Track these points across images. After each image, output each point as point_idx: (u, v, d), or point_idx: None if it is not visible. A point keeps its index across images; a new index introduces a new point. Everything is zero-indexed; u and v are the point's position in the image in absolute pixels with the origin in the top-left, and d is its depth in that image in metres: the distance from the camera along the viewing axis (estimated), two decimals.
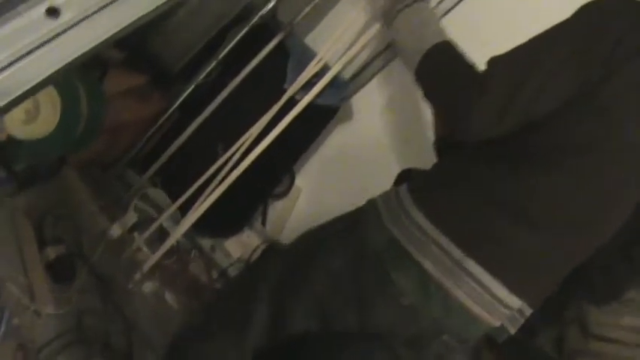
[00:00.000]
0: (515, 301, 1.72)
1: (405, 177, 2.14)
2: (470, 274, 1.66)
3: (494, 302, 1.70)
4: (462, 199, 1.70)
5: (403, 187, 1.80)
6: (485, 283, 1.67)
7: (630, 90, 1.57)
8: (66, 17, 1.22)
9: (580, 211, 1.69)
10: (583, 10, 1.62)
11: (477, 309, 1.69)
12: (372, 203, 1.87)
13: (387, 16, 2.01)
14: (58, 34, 1.23)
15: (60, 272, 2.69)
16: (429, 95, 1.82)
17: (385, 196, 1.86)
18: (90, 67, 2.77)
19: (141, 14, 1.33)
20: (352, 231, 1.82)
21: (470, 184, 1.71)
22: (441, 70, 1.77)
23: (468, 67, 1.71)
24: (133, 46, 2.92)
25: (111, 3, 1.26)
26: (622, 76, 1.55)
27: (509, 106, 1.58)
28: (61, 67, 1.25)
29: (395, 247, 1.68)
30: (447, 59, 1.77)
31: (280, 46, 3.02)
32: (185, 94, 3.05)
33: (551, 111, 1.59)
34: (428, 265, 1.65)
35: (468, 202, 1.69)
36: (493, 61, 1.66)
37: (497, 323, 1.74)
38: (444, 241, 1.65)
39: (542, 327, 2.51)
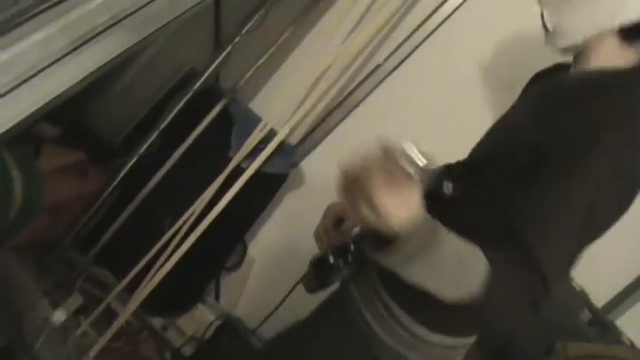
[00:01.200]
0: None
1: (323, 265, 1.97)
2: None
3: None
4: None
5: (392, 304, 1.66)
6: None
7: None
8: None
9: None
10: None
11: None
12: (365, 327, 1.72)
13: (394, 258, 1.34)
14: None
15: None
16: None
17: (378, 317, 1.70)
18: (23, 144, 2.64)
19: (55, 94, 1.22)
20: None
21: None
22: (498, 308, 1.41)
23: (523, 283, 1.37)
24: (68, 121, 2.82)
25: (22, 83, 1.16)
26: None
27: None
28: None
29: None
30: (499, 296, 1.39)
31: (224, 112, 2.93)
32: (127, 168, 2.92)
33: None
34: None
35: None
36: (531, 246, 1.36)
37: None
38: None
39: None
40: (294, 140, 3.05)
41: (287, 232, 3.21)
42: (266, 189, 3.00)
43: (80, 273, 2.96)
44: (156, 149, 2.94)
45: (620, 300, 2.78)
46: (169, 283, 2.73)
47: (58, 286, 2.90)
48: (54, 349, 2.67)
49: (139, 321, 3.02)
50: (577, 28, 1.58)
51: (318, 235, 2.02)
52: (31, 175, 2.54)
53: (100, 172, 2.94)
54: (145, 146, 2.91)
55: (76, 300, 2.80)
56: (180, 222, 2.78)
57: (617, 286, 2.79)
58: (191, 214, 2.77)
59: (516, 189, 1.45)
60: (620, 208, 1.49)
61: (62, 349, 2.70)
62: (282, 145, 2.78)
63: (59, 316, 2.70)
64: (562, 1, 1.59)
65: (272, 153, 2.73)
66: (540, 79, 1.85)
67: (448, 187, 1.61)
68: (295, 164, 3.02)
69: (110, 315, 2.82)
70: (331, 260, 1.75)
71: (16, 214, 2.47)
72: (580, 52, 1.61)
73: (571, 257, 1.41)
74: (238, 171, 2.74)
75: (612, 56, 1.56)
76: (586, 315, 2.55)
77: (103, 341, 2.71)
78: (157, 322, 3.10)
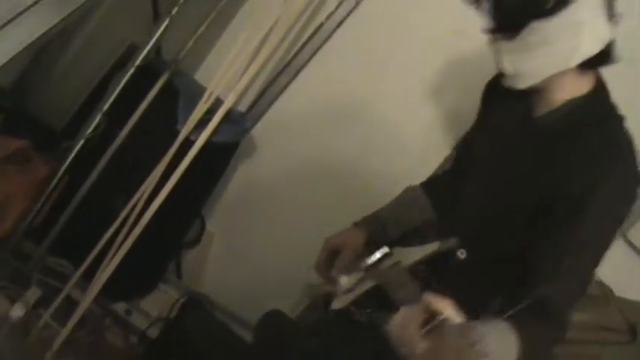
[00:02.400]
0: None
1: None
2: None
3: None
4: None
5: None
6: None
7: None
8: None
9: None
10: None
11: None
12: None
13: None
14: None
15: None
16: None
17: None
18: None
19: None
20: None
21: None
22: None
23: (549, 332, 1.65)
24: (8, 109, 2.73)
25: None
26: None
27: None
28: None
29: None
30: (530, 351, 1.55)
31: (168, 86, 2.86)
32: (74, 152, 2.83)
33: None
34: None
35: None
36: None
37: None
38: None
39: None
40: (242, 107, 2.99)
41: (244, 202, 3.17)
42: (218, 159, 2.94)
43: (36, 264, 2.89)
44: (102, 130, 2.86)
45: None
46: (128, 265, 2.66)
47: (14, 280, 2.82)
48: (16, 344, 2.60)
49: (101, 308, 2.96)
50: (537, 71, 1.67)
51: (317, 267, 2.10)
52: None
53: (46, 158, 2.86)
54: (91, 128, 2.82)
55: (34, 293, 2.73)
56: (133, 202, 2.71)
57: None
58: (143, 193, 2.70)
59: (526, 239, 1.66)
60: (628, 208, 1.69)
61: (24, 344, 2.63)
62: (230, 113, 2.71)
63: (18, 310, 2.64)
64: (520, 48, 1.63)
65: (221, 122, 2.66)
66: (493, 88, 1.96)
67: (462, 253, 1.79)
68: (246, 131, 2.95)
69: (71, 305, 2.75)
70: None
71: None
72: (542, 87, 1.71)
73: (587, 283, 1.67)
74: (188, 144, 2.67)
75: (573, 87, 1.71)
76: None
77: (65, 332, 2.63)
78: (119, 307, 3.05)
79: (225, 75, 2.70)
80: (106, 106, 2.79)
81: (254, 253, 3.12)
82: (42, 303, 2.73)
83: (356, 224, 2.13)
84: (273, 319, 2.29)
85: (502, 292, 1.66)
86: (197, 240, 3.21)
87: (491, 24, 1.63)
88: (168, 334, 2.92)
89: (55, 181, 2.85)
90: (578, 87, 1.71)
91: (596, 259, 1.65)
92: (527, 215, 1.69)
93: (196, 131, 2.69)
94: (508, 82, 1.72)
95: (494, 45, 1.67)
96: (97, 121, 2.81)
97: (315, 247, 2.18)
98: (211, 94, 2.71)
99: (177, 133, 2.71)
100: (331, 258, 2.07)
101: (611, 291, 2.45)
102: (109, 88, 2.83)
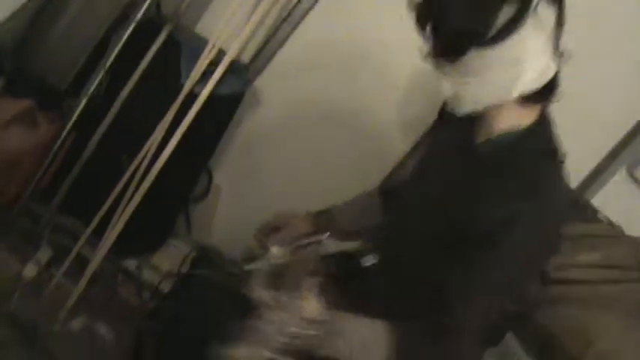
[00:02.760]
0: None
1: None
2: None
3: None
4: None
5: None
6: None
7: None
8: None
9: None
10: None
11: None
12: None
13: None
14: None
15: None
16: None
17: None
18: None
19: None
20: None
21: None
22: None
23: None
24: (10, 71, 2.72)
25: None
26: None
27: None
28: None
29: None
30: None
31: (170, 40, 2.83)
32: (79, 110, 2.83)
33: None
34: None
35: None
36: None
37: None
38: None
39: None
40: (245, 58, 2.97)
41: (250, 154, 3.15)
42: (223, 112, 2.91)
43: (46, 224, 2.91)
44: (105, 87, 2.86)
45: (592, 180, 2.80)
46: (137, 221, 2.69)
47: (24, 240, 2.85)
48: (30, 304, 2.63)
49: (113, 265, 2.98)
50: (475, 98, 1.64)
51: (257, 233, 2.19)
52: None
53: (51, 118, 2.85)
54: (94, 86, 2.82)
55: (45, 252, 2.78)
56: (140, 157, 2.71)
57: (586, 167, 2.86)
58: (149, 148, 2.70)
59: (439, 264, 1.64)
60: (549, 251, 1.75)
61: (38, 303, 2.66)
62: (233, 65, 2.70)
63: (30, 270, 2.67)
64: (460, 72, 1.60)
65: (224, 74, 2.65)
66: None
67: (369, 259, 1.83)
68: (250, 82, 2.93)
69: (82, 263, 2.77)
70: None
71: None
72: (482, 114, 1.68)
73: (489, 315, 1.64)
74: (192, 97, 2.67)
75: (514, 119, 1.67)
76: None
77: (78, 290, 2.67)
78: (130, 263, 3.08)
79: (227, 26, 2.68)
80: (108, 63, 2.78)
81: (262, 203, 3.11)
82: (54, 262, 2.77)
83: (307, 215, 2.18)
84: None
85: (401, 307, 1.66)
86: (205, 194, 3.20)
87: (433, 48, 1.62)
88: (179, 288, 2.94)
89: (61, 140, 2.85)
90: (518, 119, 1.68)
91: (502, 293, 1.64)
92: (444, 240, 1.67)
93: (200, 84, 2.68)
94: (450, 107, 1.70)
95: (437, 69, 1.65)
96: (99, 78, 2.81)
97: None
98: (214, 46, 2.69)
99: (181, 86, 2.71)
100: (274, 230, 2.13)
101: (621, 230, 2.46)
102: (111, 45, 2.81)
